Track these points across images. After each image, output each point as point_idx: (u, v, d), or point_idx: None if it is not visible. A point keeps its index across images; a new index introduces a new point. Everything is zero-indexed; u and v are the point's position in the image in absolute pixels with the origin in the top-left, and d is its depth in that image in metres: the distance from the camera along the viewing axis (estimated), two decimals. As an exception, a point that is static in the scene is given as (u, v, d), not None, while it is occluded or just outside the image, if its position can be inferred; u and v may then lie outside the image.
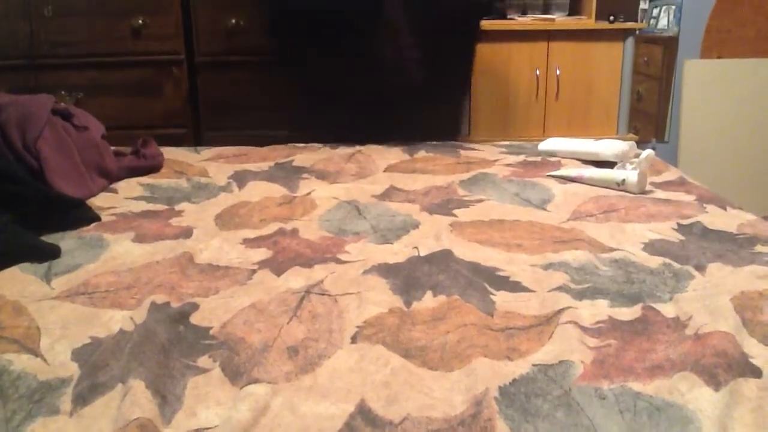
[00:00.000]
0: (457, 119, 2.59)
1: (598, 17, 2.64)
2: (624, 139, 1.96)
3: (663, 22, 3.24)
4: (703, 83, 3.08)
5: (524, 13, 2.74)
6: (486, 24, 2.47)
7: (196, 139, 2.52)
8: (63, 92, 2.45)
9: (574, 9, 2.76)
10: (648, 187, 1.63)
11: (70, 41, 2.42)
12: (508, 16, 2.67)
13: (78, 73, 2.46)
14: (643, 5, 3.26)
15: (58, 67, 2.44)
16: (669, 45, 3.17)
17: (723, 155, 3.13)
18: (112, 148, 1.78)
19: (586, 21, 2.65)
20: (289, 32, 1.93)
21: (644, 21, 3.17)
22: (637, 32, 2.77)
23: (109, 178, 1.67)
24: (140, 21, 2.39)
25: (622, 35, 2.65)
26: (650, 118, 3.28)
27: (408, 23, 1.79)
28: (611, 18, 2.64)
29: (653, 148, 1.91)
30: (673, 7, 3.18)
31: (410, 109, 2.07)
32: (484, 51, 2.50)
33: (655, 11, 3.28)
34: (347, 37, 1.78)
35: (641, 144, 2.91)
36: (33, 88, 2.41)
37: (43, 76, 2.45)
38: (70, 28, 2.41)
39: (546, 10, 2.74)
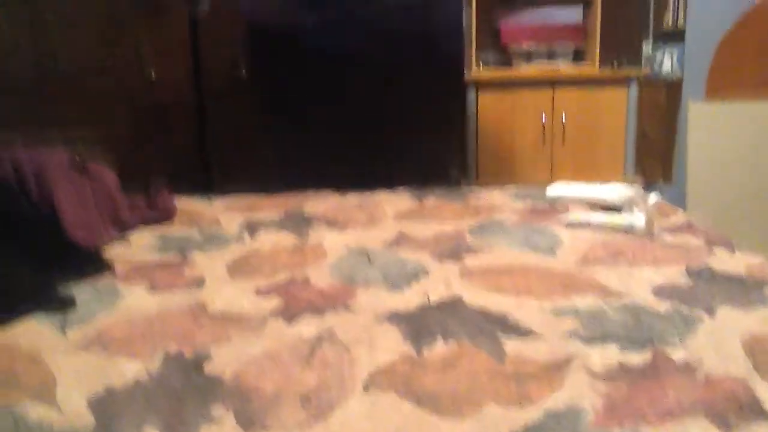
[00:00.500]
0: (455, 163, 2.62)
1: (603, 62, 2.69)
2: (631, 182, 1.98)
3: (667, 65, 3.30)
4: (709, 125, 3.11)
5: (529, 60, 2.79)
6: (492, 72, 2.52)
7: (205, 184, 2.56)
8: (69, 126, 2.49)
9: (579, 56, 2.82)
10: (655, 231, 1.64)
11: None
12: (514, 64, 2.72)
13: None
14: (646, 49, 3.31)
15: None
16: (673, 87, 3.21)
17: (731, 196, 3.14)
18: (125, 195, 1.81)
19: (590, 68, 2.70)
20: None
21: (647, 65, 3.22)
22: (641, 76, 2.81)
23: (123, 227, 1.70)
24: (152, 72, 2.46)
25: (626, 81, 2.69)
26: (657, 158, 3.30)
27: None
28: (615, 63, 2.69)
29: (660, 190, 1.92)
30: (676, 51, 3.23)
31: (404, 154, 2.10)
32: (490, 98, 2.55)
33: (659, 55, 3.33)
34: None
35: (648, 185, 2.93)
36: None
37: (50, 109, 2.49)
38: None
39: (551, 57, 2.79)
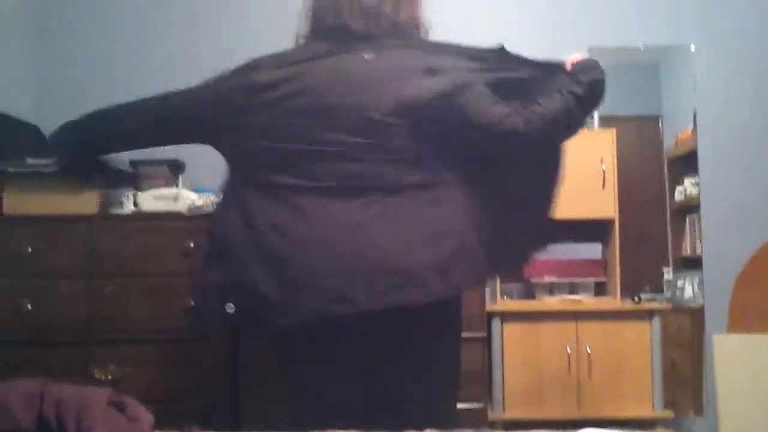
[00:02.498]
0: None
1: (624, 295, 2.77)
2: (660, 419, 1.94)
3: (688, 292, 3.33)
4: (735, 358, 3.09)
5: (552, 293, 2.88)
6: (516, 304, 2.61)
7: (232, 412, 2.57)
8: (112, 366, 2.57)
9: (600, 289, 2.91)
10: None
11: (125, 318, 2.59)
12: (537, 296, 2.82)
13: (129, 347, 2.59)
14: (667, 276, 3.39)
15: (110, 342, 2.59)
16: (696, 315, 3.24)
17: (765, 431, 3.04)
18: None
19: (612, 301, 2.77)
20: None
21: (669, 291, 3.28)
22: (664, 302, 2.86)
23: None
24: (191, 302, 2.57)
25: (648, 314, 2.75)
26: (687, 388, 3.26)
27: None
28: (636, 298, 2.76)
29: (692, 424, 1.90)
30: (697, 279, 3.29)
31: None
32: (514, 330, 2.62)
33: (680, 282, 3.38)
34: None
35: (678, 418, 2.87)
36: (84, 362, 2.55)
37: (94, 351, 2.59)
38: (125, 307, 2.60)
39: (572, 290, 2.88)
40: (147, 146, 2.02)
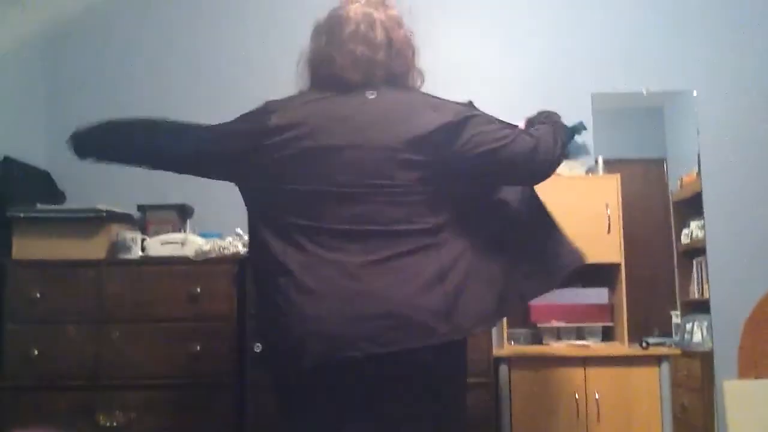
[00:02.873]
0: None
1: (632, 339, 2.76)
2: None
3: (697, 336, 3.31)
4: (746, 404, 3.06)
5: (559, 338, 2.87)
6: (523, 349, 2.60)
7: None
8: (118, 411, 2.56)
9: (608, 334, 2.90)
10: None
11: (131, 364, 2.59)
12: (544, 342, 2.80)
13: (135, 393, 2.59)
14: (675, 320, 3.36)
15: (116, 387, 2.59)
16: (706, 359, 3.21)
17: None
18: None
19: (620, 347, 2.75)
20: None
21: (678, 335, 3.26)
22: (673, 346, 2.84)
23: None
24: (197, 347, 2.57)
25: (656, 359, 2.73)
26: (698, 432, 3.21)
27: None
28: (644, 344, 2.74)
29: None
30: (706, 322, 3.27)
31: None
32: (522, 375, 2.60)
33: (689, 325, 3.36)
34: None
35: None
36: (90, 408, 2.55)
37: (100, 396, 2.58)
38: (133, 352, 2.60)
39: (580, 335, 2.87)
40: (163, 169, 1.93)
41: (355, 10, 1.77)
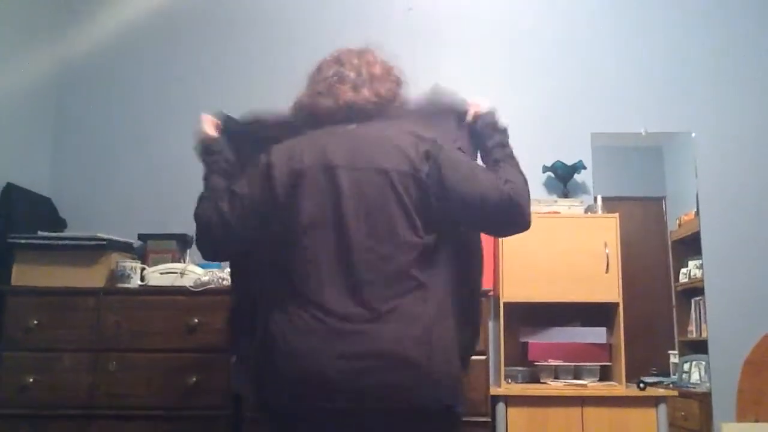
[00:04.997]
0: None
1: (630, 379, 2.74)
2: None
3: (695, 377, 3.29)
4: (745, 447, 3.04)
5: (556, 377, 2.86)
6: (521, 388, 2.59)
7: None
8: (112, 443, 2.54)
9: (605, 373, 2.88)
10: None
11: (127, 393, 2.58)
12: (541, 380, 2.79)
13: (130, 423, 2.57)
14: (673, 359, 3.35)
15: (112, 417, 2.57)
16: (704, 400, 3.19)
17: None
18: None
19: (617, 387, 2.74)
20: None
21: (676, 375, 3.24)
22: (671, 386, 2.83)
23: None
24: (194, 379, 2.56)
25: (654, 400, 2.71)
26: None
27: None
28: (641, 385, 2.73)
29: None
30: (704, 363, 3.25)
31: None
32: (519, 414, 2.59)
33: (686, 365, 3.35)
34: None
35: None
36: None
37: (95, 426, 2.57)
38: (129, 382, 2.58)
39: (577, 375, 2.86)
40: None
41: (339, 52, 1.84)
